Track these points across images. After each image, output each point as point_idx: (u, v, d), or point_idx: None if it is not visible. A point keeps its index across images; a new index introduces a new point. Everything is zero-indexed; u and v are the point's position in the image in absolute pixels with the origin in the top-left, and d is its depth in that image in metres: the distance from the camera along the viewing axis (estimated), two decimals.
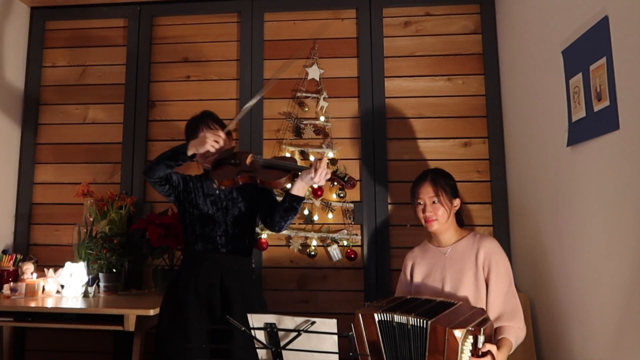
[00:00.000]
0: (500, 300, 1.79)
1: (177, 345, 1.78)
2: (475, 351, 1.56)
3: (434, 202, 1.88)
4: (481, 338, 1.55)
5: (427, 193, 1.89)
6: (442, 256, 1.92)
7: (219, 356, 1.77)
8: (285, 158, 2.10)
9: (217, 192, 1.96)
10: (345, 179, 1.84)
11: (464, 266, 1.85)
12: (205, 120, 1.96)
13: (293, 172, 1.86)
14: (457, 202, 1.94)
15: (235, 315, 1.69)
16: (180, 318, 1.82)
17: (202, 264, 1.90)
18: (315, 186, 1.82)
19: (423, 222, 1.91)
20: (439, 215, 1.88)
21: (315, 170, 1.77)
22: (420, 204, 1.92)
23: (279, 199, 2.00)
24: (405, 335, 1.60)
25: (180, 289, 1.88)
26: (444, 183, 1.91)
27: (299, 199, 1.86)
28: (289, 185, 1.95)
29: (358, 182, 2.61)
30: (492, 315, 1.77)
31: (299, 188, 1.85)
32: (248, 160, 1.89)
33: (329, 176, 1.80)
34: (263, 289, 2.61)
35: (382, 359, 1.65)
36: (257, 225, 2.18)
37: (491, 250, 1.85)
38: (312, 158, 2.64)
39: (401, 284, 2.04)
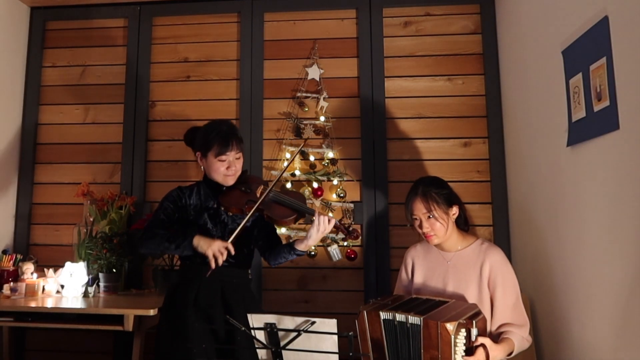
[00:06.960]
0: (508, 314, 1.76)
1: (179, 355, 1.76)
2: (469, 344, 1.56)
3: (428, 217, 1.83)
4: (474, 331, 1.56)
5: (419, 210, 1.83)
6: (445, 263, 1.89)
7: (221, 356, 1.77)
8: (294, 194, 2.00)
9: (215, 205, 1.91)
10: (350, 229, 1.86)
11: (467, 277, 1.83)
12: (229, 144, 1.84)
13: (301, 213, 1.86)
14: (454, 210, 1.87)
15: (239, 331, 1.67)
16: (180, 334, 1.78)
17: (201, 278, 1.84)
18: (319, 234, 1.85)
19: (422, 236, 1.88)
20: (436, 230, 1.82)
21: (318, 225, 1.78)
22: (415, 219, 1.87)
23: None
24: (405, 333, 1.60)
25: (179, 304, 1.83)
26: (436, 195, 1.83)
27: (301, 254, 1.87)
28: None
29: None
30: (497, 324, 1.76)
31: (305, 246, 1.83)
32: (258, 192, 1.88)
33: (332, 224, 1.81)
34: (263, 288, 2.61)
35: (385, 357, 1.65)
36: None
37: (497, 263, 1.81)
38: (312, 158, 2.65)
39: (401, 282, 2.01)
